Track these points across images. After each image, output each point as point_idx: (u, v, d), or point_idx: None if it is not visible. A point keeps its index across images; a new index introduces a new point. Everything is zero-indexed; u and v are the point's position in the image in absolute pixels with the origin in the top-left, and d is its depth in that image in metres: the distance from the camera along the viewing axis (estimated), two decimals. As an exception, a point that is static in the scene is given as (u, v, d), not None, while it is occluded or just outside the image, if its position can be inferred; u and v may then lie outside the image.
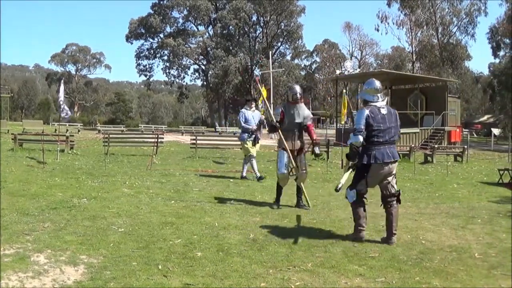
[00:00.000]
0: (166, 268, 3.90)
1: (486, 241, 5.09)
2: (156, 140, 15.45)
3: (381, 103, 5.09)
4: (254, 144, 9.63)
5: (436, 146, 17.85)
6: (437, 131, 25.46)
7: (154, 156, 12.96)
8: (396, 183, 5.17)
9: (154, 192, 7.62)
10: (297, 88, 6.92)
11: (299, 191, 6.85)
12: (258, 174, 9.84)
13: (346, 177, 5.18)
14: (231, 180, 9.68)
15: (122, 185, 8.26)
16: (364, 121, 4.91)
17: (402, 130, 24.09)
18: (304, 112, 6.85)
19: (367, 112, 4.94)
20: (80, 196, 6.94)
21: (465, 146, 17.83)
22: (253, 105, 10.13)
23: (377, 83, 5.16)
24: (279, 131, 6.77)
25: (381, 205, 5.17)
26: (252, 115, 9.88)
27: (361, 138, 4.88)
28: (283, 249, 4.56)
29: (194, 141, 15.68)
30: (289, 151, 6.70)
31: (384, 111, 5.02)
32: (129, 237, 4.82)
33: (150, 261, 4.06)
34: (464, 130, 35.89)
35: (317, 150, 7.07)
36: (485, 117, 59.68)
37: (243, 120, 9.83)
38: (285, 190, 7.02)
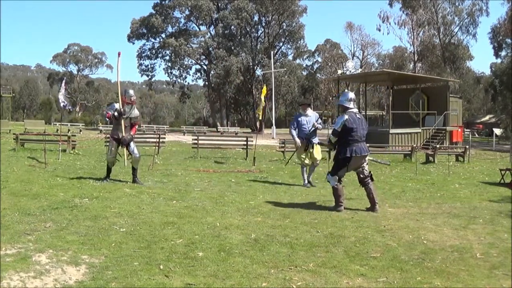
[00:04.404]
0: (168, 268, 3.90)
1: (488, 241, 5.08)
2: (158, 140, 15.49)
3: (356, 110, 6.65)
4: (307, 150, 9.14)
5: (437, 146, 17.83)
6: (439, 131, 25.43)
7: (156, 156, 12.97)
8: (367, 167, 6.78)
9: (156, 192, 7.62)
10: (133, 92, 8.92)
11: (135, 170, 8.64)
12: (306, 181, 9.22)
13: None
14: (233, 180, 9.68)
15: (123, 185, 8.27)
16: (340, 125, 6.45)
17: (404, 130, 24.40)
18: (136, 112, 8.75)
19: (346, 117, 6.46)
20: (82, 196, 6.94)
21: (467, 146, 17.78)
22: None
23: (351, 94, 6.81)
24: (122, 123, 8.49)
25: (360, 185, 6.85)
26: (306, 119, 9.21)
27: (335, 138, 6.55)
28: (285, 249, 4.56)
29: (196, 141, 15.71)
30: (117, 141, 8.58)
31: (359, 115, 6.63)
32: (131, 237, 4.82)
33: (152, 261, 4.06)
34: (465, 130, 35.80)
35: None
36: (487, 117, 59.50)
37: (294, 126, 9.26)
38: (284, 190, 7.02)
